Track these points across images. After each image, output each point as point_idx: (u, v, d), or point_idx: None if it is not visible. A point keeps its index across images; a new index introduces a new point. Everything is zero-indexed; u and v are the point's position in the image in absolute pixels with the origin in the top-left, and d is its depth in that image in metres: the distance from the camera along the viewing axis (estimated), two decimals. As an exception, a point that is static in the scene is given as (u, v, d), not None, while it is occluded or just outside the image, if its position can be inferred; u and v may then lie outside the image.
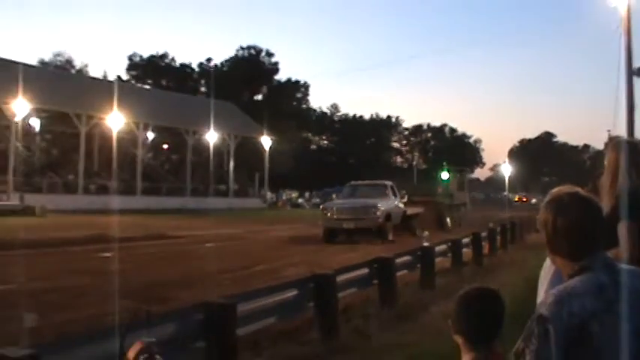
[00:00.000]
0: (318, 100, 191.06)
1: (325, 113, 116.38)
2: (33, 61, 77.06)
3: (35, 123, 56.81)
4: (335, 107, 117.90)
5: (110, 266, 16.52)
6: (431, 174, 53.52)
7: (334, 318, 10.24)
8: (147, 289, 14.10)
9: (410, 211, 33.82)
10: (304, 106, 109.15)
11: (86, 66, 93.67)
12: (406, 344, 9.64)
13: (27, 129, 53.61)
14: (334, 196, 36.46)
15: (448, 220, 39.31)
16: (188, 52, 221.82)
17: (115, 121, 52.45)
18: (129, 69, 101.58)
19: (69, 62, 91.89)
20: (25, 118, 49.75)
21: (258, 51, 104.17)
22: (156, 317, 6.86)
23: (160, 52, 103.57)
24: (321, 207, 33.34)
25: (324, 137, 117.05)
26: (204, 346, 7.56)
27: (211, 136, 63.68)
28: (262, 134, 68.70)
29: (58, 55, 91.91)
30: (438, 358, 7.66)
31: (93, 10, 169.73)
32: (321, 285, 10.22)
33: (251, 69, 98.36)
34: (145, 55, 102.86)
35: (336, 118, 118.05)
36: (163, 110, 61.08)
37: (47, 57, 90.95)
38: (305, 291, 10.10)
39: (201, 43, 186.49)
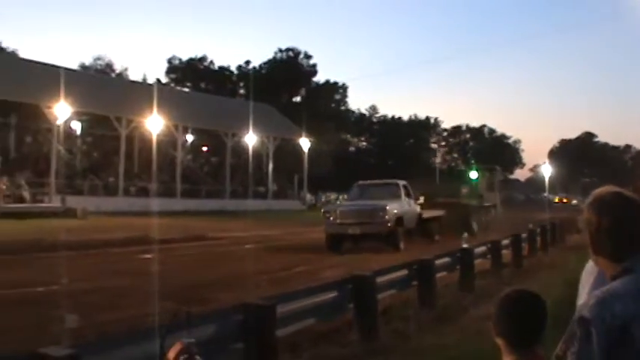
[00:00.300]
0: (357, 102, 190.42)
1: (364, 115, 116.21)
2: (74, 66, 77.88)
3: (76, 126, 57.37)
4: (373, 109, 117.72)
5: (150, 267, 16.66)
6: (457, 173, 50.29)
7: (374, 319, 10.24)
8: (187, 290, 14.20)
9: (427, 214, 30.94)
10: (343, 107, 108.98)
11: (126, 70, 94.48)
12: (445, 346, 9.61)
13: (68, 132, 54.15)
14: (341, 197, 33.87)
15: (474, 223, 35.80)
16: (227, 55, 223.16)
17: (155, 123, 52.76)
18: (168, 72, 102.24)
19: (109, 66, 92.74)
20: (67, 122, 50.20)
21: (297, 53, 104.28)
22: (196, 318, 6.89)
23: (199, 55, 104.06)
24: (322, 210, 29.77)
25: (362, 139, 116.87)
26: (244, 347, 7.59)
27: (250, 139, 63.80)
28: (301, 136, 68.68)
29: (98, 59, 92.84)
30: (478, 361, 7.62)
31: (133, 14, 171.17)
32: (361, 286, 10.23)
33: (289, 71, 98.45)
34: (184, 58, 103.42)
35: (374, 120, 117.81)
36: (202, 113, 61.35)
37: (88, 61, 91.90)
38: (344, 292, 10.10)
39: (240, 46, 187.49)
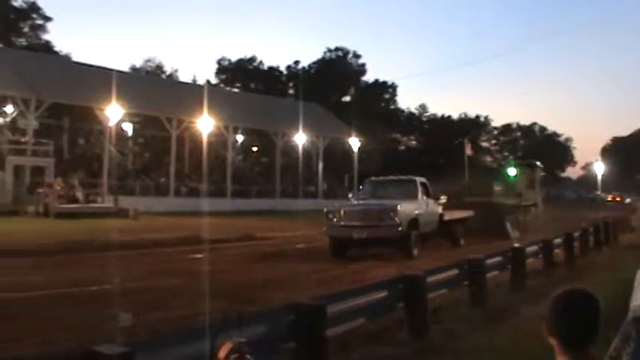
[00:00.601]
0: (406, 101, 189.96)
1: (413, 114, 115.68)
2: (125, 68, 78.75)
3: (128, 127, 58.05)
4: (423, 107, 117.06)
5: (201, 267, 16.78)
6: (493, 170, 46.37)
7: (424, 319, 10.21)
8: (237, 290, 14.27)
9: (450, 215, 27.38)
10: (392, 106, 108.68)
11: (176, 71, 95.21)
12: (497, 346, 9.53)
13: (120, 133, 54.78)
14: (351, 195, 28.78)
15: (509, 225, 32.18)
16: (276, 55, 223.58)
17: (205, 124, 53.10)
18: (218, 73, 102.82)
19: (159, 68, 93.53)
20: (119, 123, 50.78)
21: (346, 53, 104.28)
22: (246, 318, 6.94)
23: (249, 56, 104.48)
24: (325, 210, 24.84)
25: (412, 137, 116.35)
26: (294, 346, 7.61)
27: (300, 138, 63.91)
28: (351, 135, 68.57)
29: (148, 61, 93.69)
30: (530, 361, 7.55)
31: (182, 16, 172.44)
32: (411, 286, 10.21)
33: (339, 71, 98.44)
34: (234, 59, 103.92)
35: (424, 119, 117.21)
36: (252, 113, 61.60)
37: (138, 63, 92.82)
38: (395, 292, 10.08)
39: (289, 46, 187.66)
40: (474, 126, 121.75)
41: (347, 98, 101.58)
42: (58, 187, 41.63)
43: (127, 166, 55.58)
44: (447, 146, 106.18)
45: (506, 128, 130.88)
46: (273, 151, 66.75)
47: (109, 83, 44.29)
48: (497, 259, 14.76)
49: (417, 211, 24.08)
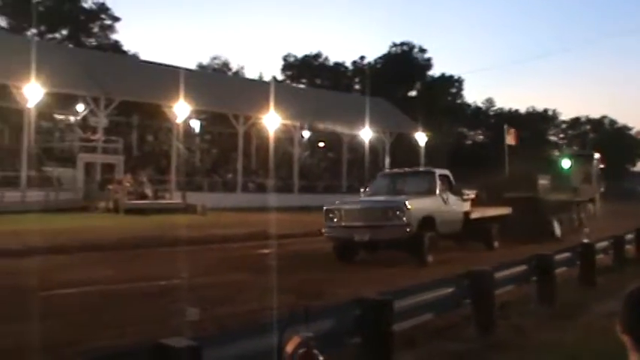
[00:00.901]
0: (473, 95, 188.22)
1: (480, 108, 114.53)
2: (192, 66, 79.63)
3: (195, 124, 58.72)
4: (490, 101, 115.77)
5: (269, 262, 16.84)
6: (544, 161, 40.15)
7: (491, 315, 10.12)
8: (305, 285, 14.32)
9: (479, 213, 23.49)
10: (458, 101, 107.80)
11: (242, 68, 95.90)
12: (566, 343, 9.40)
13: (188, 130, 55.41)
14: (362, 191, 24.44)
15: (556, 224, 28.79)
16: (341, 51, 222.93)
17: (272, 120, 53.35)
18: (284, 69, 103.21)
19: (226, 65, 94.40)
20: (186, 120, 51.34)
21: (411, 47, 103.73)
22: (313, 313, 6.96)
23: (314, 52, 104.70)
24: (324, 208, 21.25)
25: (479, 132, 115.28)
26: (360, 341, 7.61)
27: (366, 134, 63.79)
28: (417, 130, 68.25)
29: (215, 58, 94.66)
30: (601, 358, 7.43)
31: (248, 13, 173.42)
32: (478, 281, 10.13)
33: (404, 65, 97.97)
34: (300, 55, 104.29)
35: (491, 113, 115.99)
36: (318, 109, 61.66)
37: (205, 61, 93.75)
38: (462, 287, 10.02)
39: (355, 42, 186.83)
40: (541, 120, 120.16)
41: (413, 93, 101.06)
42: (128, 184, 42.26)
43: (194, 163, 56.15)
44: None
45: (575, 122, 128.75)
46: (339, 147, 66.81)
47: (176, 81, 44.83)
48: (566, 254, 14.52)
49: (432, 209, 20.70)
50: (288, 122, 56.80)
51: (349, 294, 10.59)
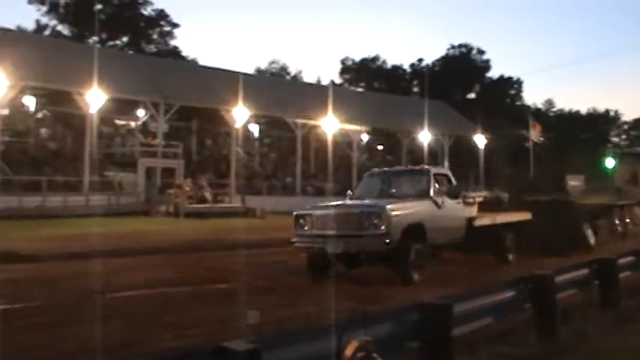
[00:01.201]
0: (532, 96, 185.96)
1: (539, 109, 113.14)
2: (250, 70, 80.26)
3: (254, 129, 59.10)
4: (549, 103, 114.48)
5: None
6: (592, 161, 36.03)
7: (552, 319, 10.00)
8: (364, 289, 14.30)
9: (486, 220, 19.77)
10: (518, 102, 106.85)
11: (300, 72, 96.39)
12: (630, 348, 9.26)
13: (247, 135, 55.81)
14: (349, 193, 21.15)
15: (589, 231, 24.53)
16: (399, 54, 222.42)
17: (330, 124, 53.40)
18: (342, 73, 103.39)
19: (284, 69, 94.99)
20: (245, 125, 51.68)
21: (469, 49, 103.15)
22: (372, 317, 6.96)
23: (372, 55, 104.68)
24: (294, 213, 18.14)
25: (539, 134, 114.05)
26: (419, 345, 7.59)
27: (425, 136, 63.53)
28: (476, 132, 67.81)
29: (273, 62, 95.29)
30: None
31: (306, 17, 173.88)
32: (539, 285, 10.03)
33: (463, 67, 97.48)
34: (357, 58, 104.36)
35: (551, 114, 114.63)
36: (377, 112, 61.54)
37: (263, 65, 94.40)
38: (522, 291, 9.93)
39: (412, 44, 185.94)
40: (603, 121, 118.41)
41: (472, 95, 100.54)
42: (188, 188, 42.69)
43: (253, 167, 56.51)
44: (574, 142, 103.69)
45: (638, 123, 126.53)
46: (398, 150, 66.67)
47: (235, 86, 45.18)
48: (630, 259, 14.29)
49: (422, 215, 17.26)
50: (346, 126, 56.81)
51: (409, 298, 10.54)
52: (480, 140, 67.69)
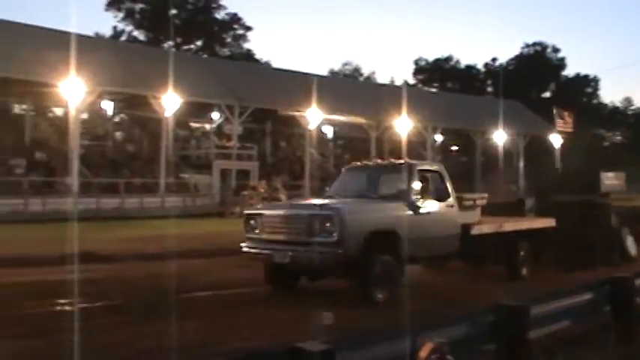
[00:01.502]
0: (610, 94, 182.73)
1: (617, 107, 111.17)
2: (323, 72, 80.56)
3: (328, 130, 59.24)
4: (628, 101, 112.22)
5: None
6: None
7: (631, 323, 9.80)
8: (437, 290, 14.22)
9: (488, 227, 16.72)
10: (594, 101, 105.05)
11: (373, 73, 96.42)
12: None
13: (320, 136, 55.95)
14: (327, 190, 18.19)
15: (630, 239, 21.16)
16: (472, 53, 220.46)
17: (404, 125, 53.19)
18: (415, 73, 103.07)
19: (357, 70, 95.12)
20: (319, 126, 51.81)
21: (544, 47, 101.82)
22: (447, 318, 6.92)
23: (445, 55, 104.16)
24: (244, 213, 16.60)
25: (617, 133, 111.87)
26: (495, 348, 7.52)
27: (500, 136, 62.84)
28: (552, 132, 66.86)
29: (346, 64, 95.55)
30: None
31: (379, 18, 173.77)
32: (619, 288, 9.83)
33: (537, 66, 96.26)
34: (431, 58, 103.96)
35: (629, 112, 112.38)
36: (450, 112, 61.09)
37: (337, 67, 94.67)
38: (601, 294, 9.76)
39: (486, 44, 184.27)
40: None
41: (547, 94, 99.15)
42: (262, 190, 42.94)
43: (327, 168, 56.63)
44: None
45: None
46: (472, 151, 66.10)
47: (308, 88, 45.33)
48: None
49: (393, 220, 14.39)
50: (420, 126, 56.55)
51: (485, 302, 10.42)
52: (556, 140, 66.68)
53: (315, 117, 47.93)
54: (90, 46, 39.21)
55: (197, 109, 49.94)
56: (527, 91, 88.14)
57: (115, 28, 79.19)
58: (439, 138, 65.76)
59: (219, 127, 53.51)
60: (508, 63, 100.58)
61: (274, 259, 14.12)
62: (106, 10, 78.47)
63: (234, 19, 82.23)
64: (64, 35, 32.93)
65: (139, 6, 78.92)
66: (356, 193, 16.05)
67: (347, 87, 64.45)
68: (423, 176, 15.74)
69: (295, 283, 15.04)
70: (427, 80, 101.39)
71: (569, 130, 39.59)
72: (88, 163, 41.40)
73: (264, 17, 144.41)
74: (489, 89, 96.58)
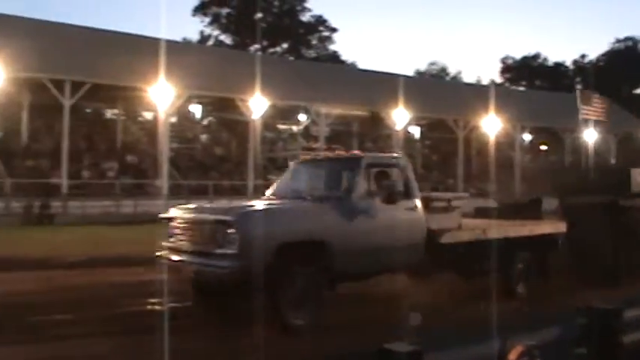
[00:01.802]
0: None
1: None
2: (409, 72, 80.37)
3: (415, 131, 59.03)
4: None
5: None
6: None
7: None
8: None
9: (461, 234, 14.09)
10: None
11: (460, 73, 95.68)
12: None
13: (407, 137, 55.79)
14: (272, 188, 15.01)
15: None
16: (561, 50, 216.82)
17: (492, 124, 52.63)
18: (502, 72, 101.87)
19: (443, 70, 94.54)
20: (406, 127, 51.63)
21: (636, 42, 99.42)
22: (537, 321, 6.84)
23: (532, 53, 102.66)
24: (159, 216, 13.31)
25: None
26: (585, 352, 7.40)
27: (590, 135, 61.58)
28: (645, 129, 65.45)
29: (432, 64, 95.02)
30: None
31: (465, 18, 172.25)
32: None
33: (629, 62, 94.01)
34: (518, 56, 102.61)
35: None
36: (539, 111, 60.20)
37: (423, 67, 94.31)
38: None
39: (574, 40, 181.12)
40: None
41: (639, 90, 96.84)
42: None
43: (415, 169, 56.41)
44: None
45: None
46: (562, 149, 65.01)
47: (394, 88, 45.22)
48: None
49: (321, 227, 11.83)
50: (508, 126, 55.89)
51: (576, 301, 10.25)
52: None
53: (401, 117, 47.82)
54: (178, 51, 39.87)
55: (284, 111, 50.34)
56: (618, 88, 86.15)
57: (202, 32, 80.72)
58: (527, 137, 64.84)
59: (306, 128, 53.81)
60: (598, 59, 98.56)
61: (181, 272, 12.04)
62: (193, 15, 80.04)
63: (320, 21, 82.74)
64: (153, 41, 33.66)
65: (225, 10, 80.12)
66: (295, 194, 13.54)
67: (433, 87, 64.18)
68: (379, 172, 13.45)
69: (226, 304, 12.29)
70: (514, 79, 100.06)
71: (602, 118, 35.93)
72: (177, 166, 42.16)
73: (349, 19, 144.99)
74: (579, 86, 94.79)
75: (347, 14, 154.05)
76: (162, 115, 39.09)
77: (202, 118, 52.00)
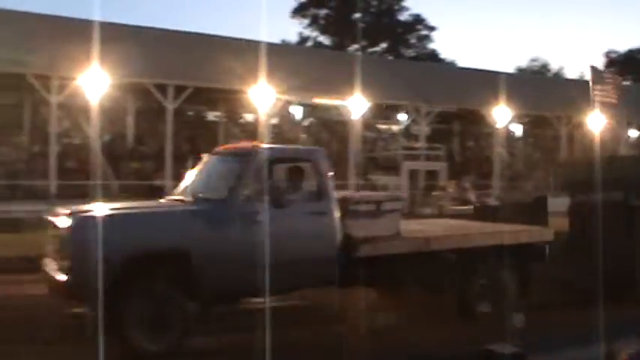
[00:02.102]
0: None
1: None
2: (510, 69, 79.29)
3: (517, 128, 58.17)
4: None
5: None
6: None
7: None
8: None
9: (388, 244, 11.75)
10: None
11: (562, 68, 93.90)
12: None
13: (509, 135, 55.07)
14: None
15: None
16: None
17: (596, 120, 51.44)
18: (606, 66, 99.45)
19: (545, 66, 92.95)
20: (507, 125, 50.97)
21: None
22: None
23: (638, 46, 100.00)
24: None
25: None
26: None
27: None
28: None
29: (534, 60, 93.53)
30: None
31: (566, 13, 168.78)
32: None
33: None
34: (622, 50, 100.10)
35: None
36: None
37: (524, 64, 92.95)
38: None
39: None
40: None
41: None
42: (451, 190, 42.77)
43: (517, 168, 55.64)
44: None
45: None
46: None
47: (494, 86, 44.68)
48: None
49: (183, 237, 10.17)
50: (612, 121, 54.55)
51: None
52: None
53: (503, 115, 47.22)
54: (277, 53, 40.28)
55: (384, 111, 50.31)
56: None
57: (300, 34, 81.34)
58: (634, 133, 63.17)
59: (407, 128, 53.60)
60: None
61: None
62: (292, 17, 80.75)
63: (418, 20, 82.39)
64: (253, 44, 34.06)
65: (323, 12, 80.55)
66: (191, 193, 11.72)
67: (535, 83, 63.12)
68: (290, 169, 11.85)
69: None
70: (619, 73, 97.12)
71: (613, 101, 32.01)
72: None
73: (447, 17, 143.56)
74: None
75: (445, 12, 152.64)
76: (262, 117, 39.53)
77: (303, 119, 52.38)
